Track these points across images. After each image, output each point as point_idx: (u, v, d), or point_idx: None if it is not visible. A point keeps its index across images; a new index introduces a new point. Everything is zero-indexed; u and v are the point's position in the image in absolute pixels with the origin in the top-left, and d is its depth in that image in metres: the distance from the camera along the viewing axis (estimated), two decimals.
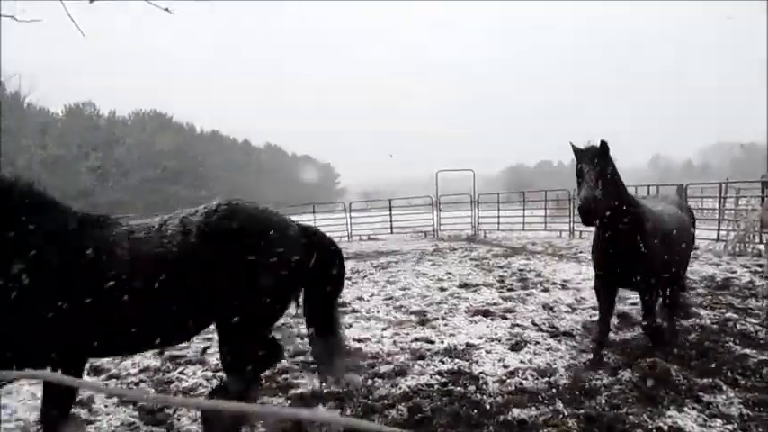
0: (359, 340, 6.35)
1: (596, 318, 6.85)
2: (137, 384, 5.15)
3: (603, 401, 4.36)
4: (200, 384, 5.13)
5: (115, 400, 4.80)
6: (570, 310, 7.43)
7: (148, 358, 6.04)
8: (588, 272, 10.25)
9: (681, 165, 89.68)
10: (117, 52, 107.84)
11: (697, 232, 13.31)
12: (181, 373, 5.48)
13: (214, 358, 5.94)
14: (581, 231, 17.17)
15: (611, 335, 6.15)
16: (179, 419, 4.38)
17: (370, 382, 5.03)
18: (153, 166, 55.34)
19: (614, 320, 6.76)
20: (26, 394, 4.99)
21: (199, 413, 4.45)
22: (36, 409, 4.61)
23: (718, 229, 13.14)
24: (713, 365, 5.06)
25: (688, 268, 10.04)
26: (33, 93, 46.88)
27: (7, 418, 4.46)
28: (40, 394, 4.95)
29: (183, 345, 6.53)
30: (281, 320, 7.41)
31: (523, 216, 19.01)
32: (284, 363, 5.73)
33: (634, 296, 8.01)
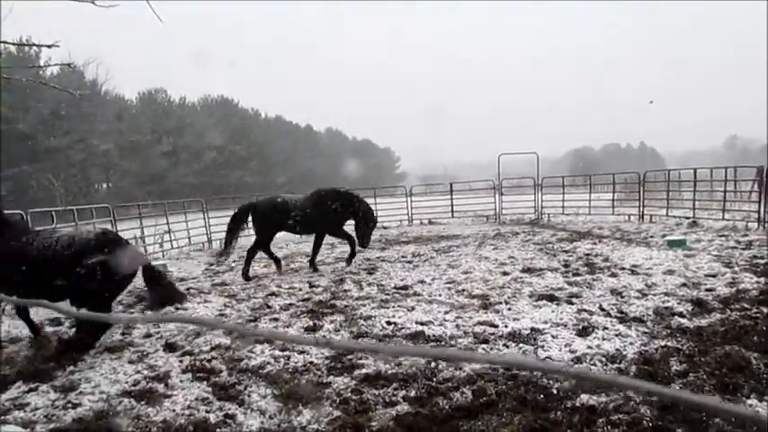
0: (422, 323, 6.39)
1: (669, 304, 6.63)
2: (209, 361, 5.38)
3: (678, 389, 4.21)
4: (268, 363, 5.30)
5: (190, 375, 5.06)
6: (640, 295, 7.16)
7: (220, 336, 6.32)
8: (659, 257, 9.87)
9: (760, 145, 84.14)
10: (189, 41, 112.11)
11: None
12: (250, 351, 5.68)
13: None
14: (651, 216, 16.48)
15: (685, 321, 5.92)
16: (250, 396, 4.56)
17: (433, 364, 5.04)
18: (220, 151, 57.21)
19: (689, 307, 6.50)
20: (107, 368, 5.34)
21: (268, 390, 4.63)
22: (118, 383, 4.94)
23: None
24: None
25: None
26: (110, 80, 49.38)
27: (90, 390, 4.78)
28: (121, 368, 5.31)
29: (252, 324, 6.82)
30: (344, 302, 7.60)
31: (589, 200, 18.39)
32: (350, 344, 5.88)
33: (709, 282, 7.67)
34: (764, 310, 6.16)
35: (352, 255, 10.83)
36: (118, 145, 48.12)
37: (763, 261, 8.91)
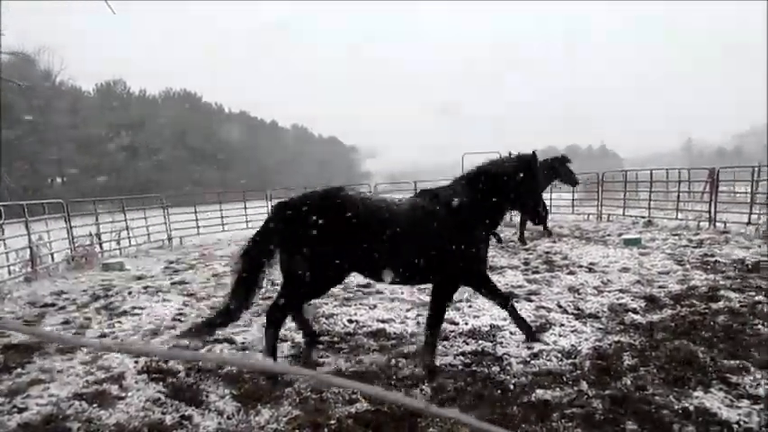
0: (383, 321, 6.40)
1: (623, 300, 6.83)
2: (165, 362, 5.25)
3: (629, 383, 4.33)
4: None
5: (146, 376, 4.93)
6: (596, 292, 7.35)
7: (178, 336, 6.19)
8: (616, 255, 10.15)
9: (714, 149, 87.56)
10: (153, 33, 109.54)
11: (728, 216, 13.27)
12: (208, 351, 5.59)
13: (240, 337, 6.06)
14: (609, 215, 16.92)
15: (638, 317, 6.09)
16: (207, 396, 4.48)
17: (393, 361, 5.07)
18: (181, 146, 55.97)
19: (642, 303, 6.70)
20: (57, 370, 5.15)
21: (227, 390, 4.56)
22: (68, 385, 4.77)
23: (750, 213, 12.82)
24: (741, 348, 4.99)
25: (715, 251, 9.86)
26: (64, 70, 47.39)
27: (39, 393, 4.61)
28: (72, 370, 5.14)
29: None
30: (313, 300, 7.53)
31: (550, 199, 18.75)
32: None
33: (662, 279, 7.93)
34: (712, 306, 6.40)
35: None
36: (73, 138, 46.40)
37: (712, 259, 9.26)
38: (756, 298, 6.60)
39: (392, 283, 5.28)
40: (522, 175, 5.06)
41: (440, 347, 5.45)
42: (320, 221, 4.47)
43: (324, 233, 4.46)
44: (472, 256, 4.91)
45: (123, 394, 4.57)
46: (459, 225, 4.78)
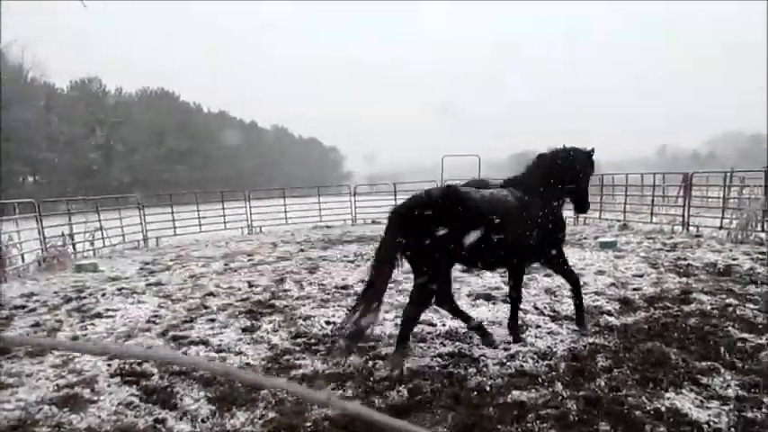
0: None
1: (598, 302, 6.92)
2: (139, 364, 5.18)
3: (603, 384, 4.39)
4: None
5: (119, 379, 4.85)
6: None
7: (153, 339, 6.11)
8: (592, 257, 10.28)
9: (688, 154, 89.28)
10: (129, 31, 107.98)
11: (701, 220, 13.54)
12: (184, 353, 5.52)
13: (217, 339, 6.00)
14: (585, 218, 17.12)
15: (612, 319, 6.18)
16: (182, 399, 4.42)
17: (371, 363, 5.06)
18: (158, 145, 55.14)
19: (616, 306, 6.79)
20: (26, 374, 5.04)
21: (202, 393, 4.51)
22: (38, 389, 4.67)
23: (722, 217, 13.09)
24: (712, 349, 5.09)
25: (686, 254, 10.06)
26: (37, 66, 45.98)
27: (6, 398, 4.50)
28: (42, 373, 5.03)
29: (187, 325, 6.62)
30: (284, 302, 7.51)
31: None
32: (286, 344, 5.80)
33: (636, 282, 8.05)
34: (685, 308, 6.52)
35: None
36: (46, 136, 45.17)
37: (685, 262, 9.44)
38: (727, 301, 6.73)
39: (486, 269, 6.35)
40: (587, 166, 5.82)
41: (417, 349, 5.46)
42: (444, 219, 4.69)
43: (448, 230, 4.66)
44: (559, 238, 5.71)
45: (95, 398, 4.49)
46: (549, 212, 5.44)
